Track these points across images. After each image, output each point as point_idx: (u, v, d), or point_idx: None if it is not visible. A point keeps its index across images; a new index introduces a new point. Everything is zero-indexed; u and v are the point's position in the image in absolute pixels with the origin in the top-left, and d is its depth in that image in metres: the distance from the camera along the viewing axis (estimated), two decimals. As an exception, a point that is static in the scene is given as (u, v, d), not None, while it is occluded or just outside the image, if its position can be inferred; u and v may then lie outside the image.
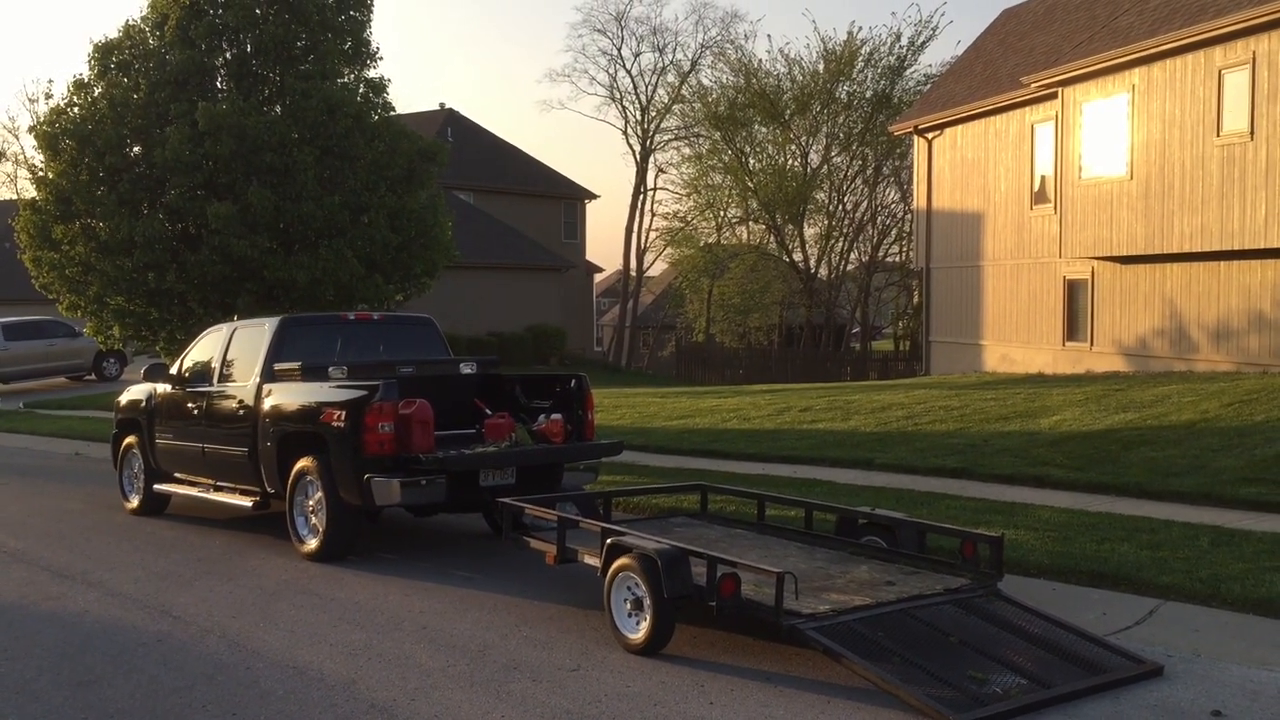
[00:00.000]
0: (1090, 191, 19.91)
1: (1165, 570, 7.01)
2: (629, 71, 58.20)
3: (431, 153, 19.03)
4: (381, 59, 20.25)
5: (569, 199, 48.75)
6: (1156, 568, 7.08)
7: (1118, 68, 18.99)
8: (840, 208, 43.88)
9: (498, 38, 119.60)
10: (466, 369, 9.68)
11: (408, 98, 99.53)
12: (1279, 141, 16.09)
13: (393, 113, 19.41)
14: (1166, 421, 12.62)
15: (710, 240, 46.79)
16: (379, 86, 19.08)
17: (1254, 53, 16.44)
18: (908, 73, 42.21)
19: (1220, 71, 17.07)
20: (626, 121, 52.35)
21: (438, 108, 48.74)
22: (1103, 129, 19.58)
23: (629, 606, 6.22)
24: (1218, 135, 17.17)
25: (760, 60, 66.87)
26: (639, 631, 6.10)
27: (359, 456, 8.23)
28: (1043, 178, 22.34)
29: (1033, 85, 21.15)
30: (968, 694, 5.11)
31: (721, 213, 46.42)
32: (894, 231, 43.41)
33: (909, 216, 36.62)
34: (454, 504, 8.67)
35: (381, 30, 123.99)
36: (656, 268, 57.91)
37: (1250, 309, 17.55)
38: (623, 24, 60.96)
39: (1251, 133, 16.53)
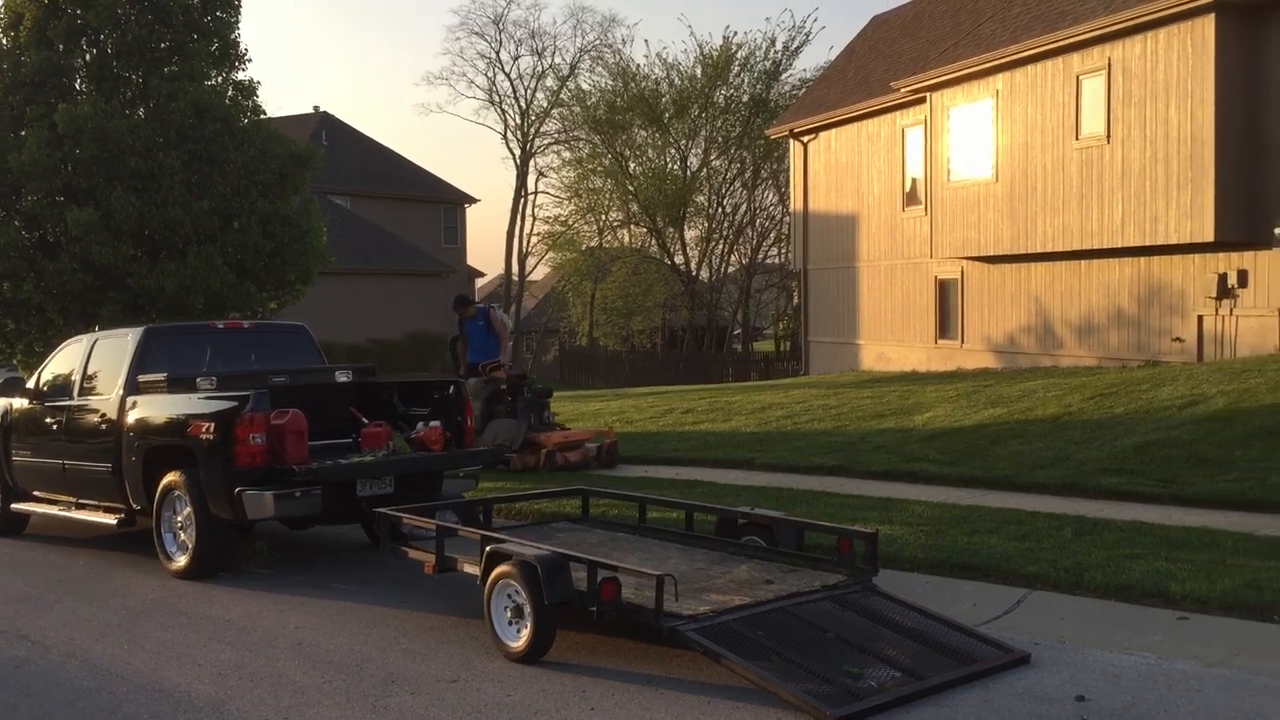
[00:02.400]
0: (959, 193, 20.48)
1: (1032, 560, 7.23)
2: (508, 75, 57.91)
3: (305, 157, 18.60)
4: (251, 61, 19.69)
5: (449, 203, 48.26)
6: (1024, 558, 7.30)
7: (982, 73, 19.58)
8: (720, 210, 44.35)
9: (373, 40, 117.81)
10: (342, 377, 9.47)
11: (280, 101, 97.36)
12: (1134, 145, 16.77)
13: (264, 116, 18.93)
14: (1033, 416, 13.05)
15: (592, 244, 46.83)
16: (248, 89, 18.57)
17: (1110, 59, 17.11)
18: (783, 77, 42.89)
19: (1079, 77, 17.73)
20: (506, 125, 52.06)
21: (311, 111, 47.77)
22: (969, 133, 20.17)
23: (509, 614, 6.16)
24: (1077, 139, 17.82)
25: (638, 64, 67.00)
26: (520, 639, 6.05)
27: (230, 469, 7.99)
28: (914, 180, 22.90)
29: (902, 90, 21.69)
30: (844, 689, 5.19)
31: (603, 216, 46.50)
32: (773, 234, 44.05)
33: (787, 219, 37.21)
34: (330, 515, 8.48)
35: (251, 32, 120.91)
36: (539, 271, 57.74)
37: (1110, 306, 18.26)
38: (501, 27, 60.62)
39: (1108, 136, 17.21)
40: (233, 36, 18.81)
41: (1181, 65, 15.94)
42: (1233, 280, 16.10)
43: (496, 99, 52.38)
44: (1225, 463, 10.02)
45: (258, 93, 19.04)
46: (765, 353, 44.21)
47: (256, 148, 18.04)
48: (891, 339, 23.78)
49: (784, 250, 41.41)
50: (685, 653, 5.87)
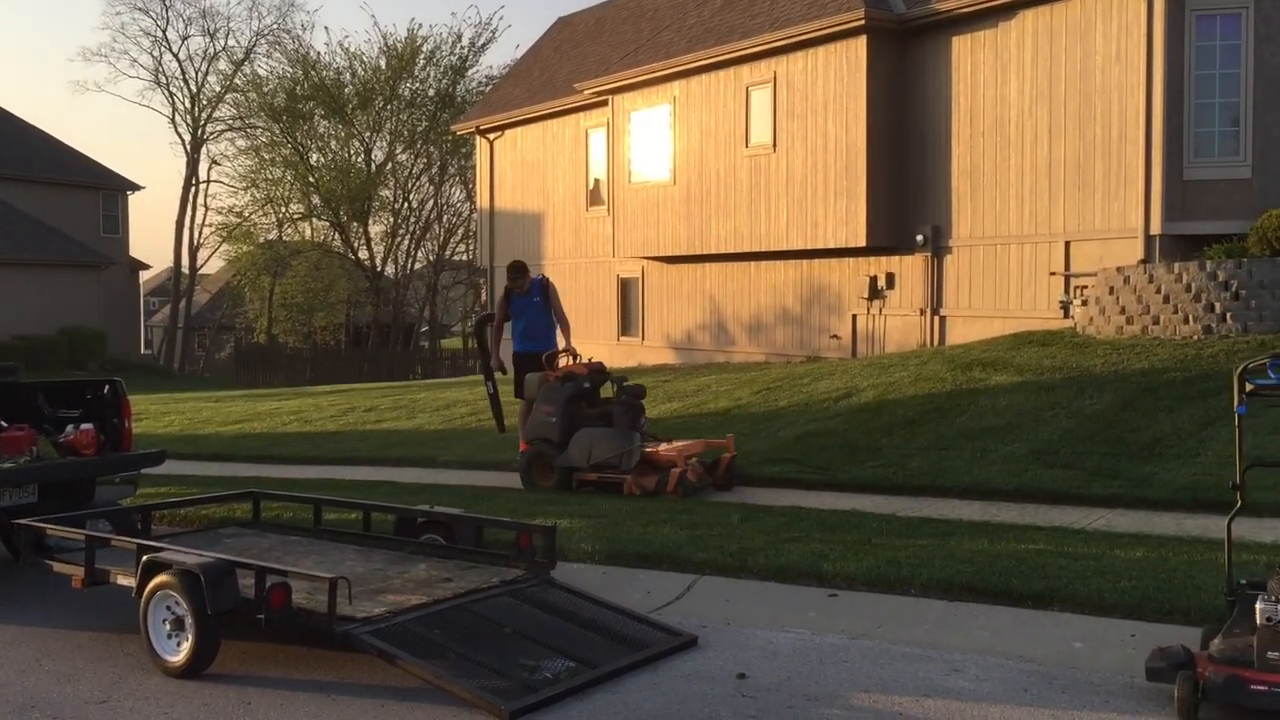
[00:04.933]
0: (639, 195, 21.15)
1: (701, 547, 7.56)
2: (176, 56, 54.74)
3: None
4: None
5: (109, 189, 44.77)
6: (694, 545, 7.61)
7: (661, 80, 20.31)
8: (406, 205, 43.69)
9: (19, 8, 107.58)
10: (-25, 377, 8.57)
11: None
12: (797, 154, 17.91)
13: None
14: (706, 409, 13.67)
15: (271, 236, 44.92)
16: None
17: (776, 73, 18.18)
18: (470, 73, 42.82)
19: (748, 88, 18.73)
20: (175, 109, 49.07)
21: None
22: (649, 136, 20.86)
23: (169, 627, 5.78)
24: (747, 146, 18.82)
25: (320, 52, 64.88)
26: (180, 653, 5.70)
27: None
28: (597, 181, 23.45)
29: (586, 92, 22.14)
30: (520, 682, 5.23)
31: (282, 208, 44.72)
32: (461, 230, 43.88)
33: (475, 215, 37.13)
34: (-38, 529, 7.67)
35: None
36: (212, 265, 54.76)
37: (777, 305, 19.42)
38: (167, 4, 56.87)
39: (775, 145, 18.28)
40: None
41: (838, 82, 17.17)
42: (882, 283, 17.51)
43: (164, 80, 49.25)
44: (873, 450, 10.89)
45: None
46: (454, 350, 43.95)
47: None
48: (576, 335, 24.11)
49: (472, 247, 41.28)
50: (361, 657, 5.73)
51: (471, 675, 5.24)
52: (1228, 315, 12.58)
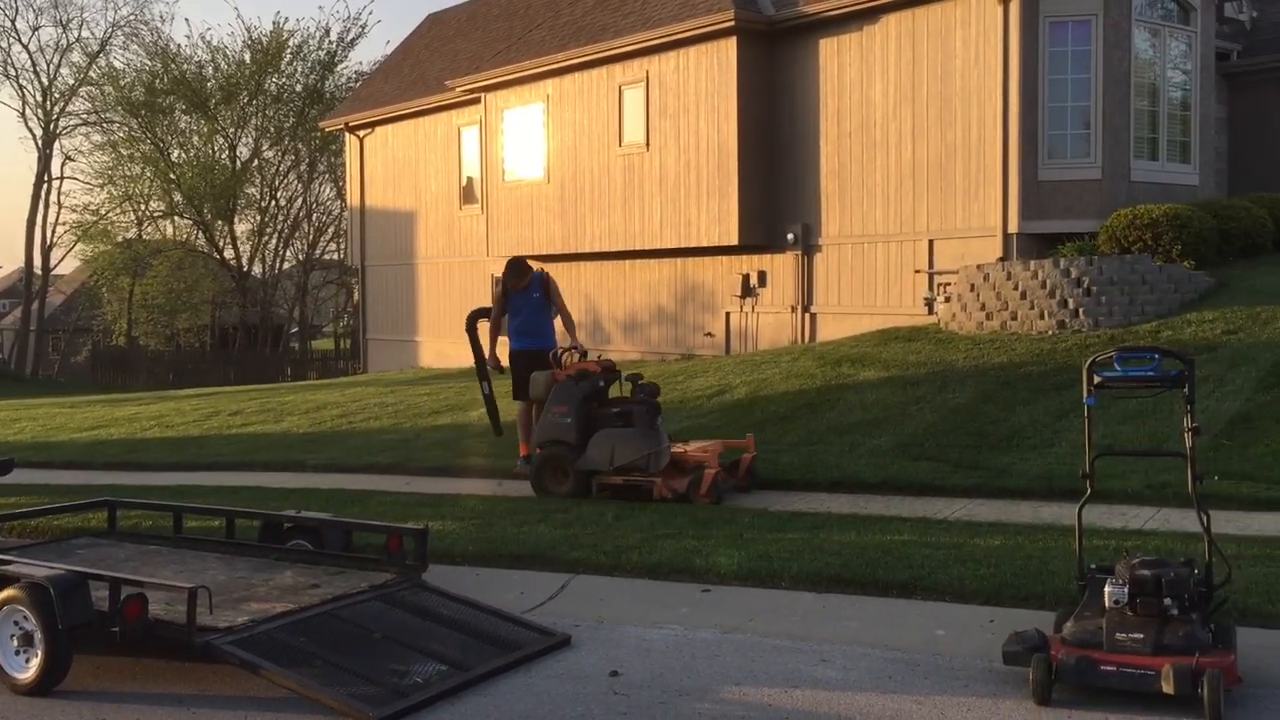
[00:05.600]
0: (513, 193, 21.03)
1: (576, 546, 7.54)
2: (26, 47, 52.48)
3: None
4: None
5: (-46, 186, 42.61)
6: (568, 544, 7.60)
7: (533, 78, 20.22)
8: (274, 203, 42.63)
9: None
10: None
11: None
12: (670, 154, 18.03)
13: None
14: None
15: (130, 235, 43.32)
16: None
17: (648, 72, 18.27)
18: (339, 69, 42.01)
19: (621, 87, 18.78)
20: (25, 103, 46.91)
21: None
22: (523, 134, 20.76)
23: (16, 643, 5.52)
24: (620, 145, 18.87)
25: (180, 45, 62.89)
26: (29, 670, 5.44)
27: None
28: (470, 179, 23.24)
29: (458, 89, 21.92)
30: (389, 688, 5.15)
31: (142, 206, 43.16)
32: (331, 229, 43.01)
33: (345, 214, 36.43)
34: None
35: None
36: (67, 265, 52.59)
37: (652, 303, 19.52)
38: (17, -8, 54.33)
39: (648, 144, 18.37)
40: None
41: (709, 82, 17.34)
42: (754, 281, 17.76)
43: (13, 72, 47.18)
44: (746, 446, 11.02)
45: None
46: (324, 351, 43.09)
47: None
48: (451, 336, 23.95)
49: (343, 246, 40.49)
50: (224, 668, 5.55)
51: (339, 683, 5.14)
52: (1080, 311, 13.10)
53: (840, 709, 4.89)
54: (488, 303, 22.78)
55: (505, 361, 10.73)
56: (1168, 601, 4.84)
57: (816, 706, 4.93)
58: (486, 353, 10.75)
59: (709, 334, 18.51)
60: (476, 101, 21.95)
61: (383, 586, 6.25)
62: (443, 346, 24.08)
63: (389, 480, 11.07)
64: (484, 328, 10.93)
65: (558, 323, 10.77)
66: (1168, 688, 4.57)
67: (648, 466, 9.11)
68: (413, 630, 5.85)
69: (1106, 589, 4.97)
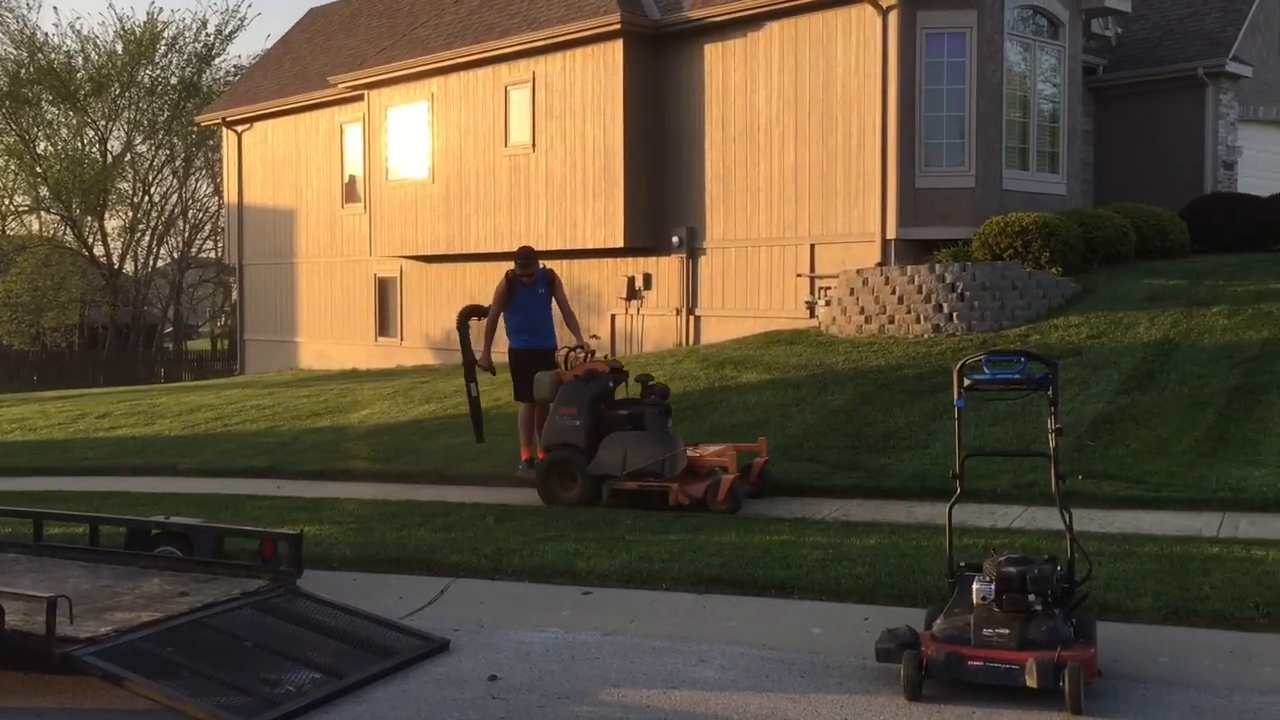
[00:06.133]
0: (397, 192, 20.74)
1: (456, 549, 7.47)
2: (-121, 31, 49.47)
3: None
4: None
5: None
6: (449, 548, 7.52)
7: (418, 76, 19.98)
8: (148, 199, 41.23)
9: None
10: None
11: None
12: (556, 155, 17.99)
13: None
14: (462, 411, 13.49)
15: (-8, 231, 41.47)
16: None
17: (534, 73, 18.20)
18: (217, 62, 40.87)
19: (507, 88, 18.67)
20: (-122, 89, 44.48)
21: None
22: (407, 133, 20.49)
23: None
24: (506, 146, 18.77)
25: (48, 34, 60.47)
26: None
27: None
28: (353, 177, 22.85)
29: (340, 86, 21.54)
30: (260, 697, 5.02)
31: (6, 200, 41.35)
32: (208, 226, 41.82)
33: (223, 211, 35.49)
34: None
35: None
36: (-77, 261, 49.95)
37: (537, 305, 19.41)
38: None
39: (534, 145, 18.30)
40: None
41: (596, 84, 17.35)
42: (640, 283, 17.82)
43: None
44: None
45: None
46: (200, 352, 41.91)
47: None
48: (331, 337, 23.54)
49: (220, 244, 39.40)
50: (87, 680, 5.35)
51: (208, 693, 4.98)
52: (954, 315, 13.47)
53: (717, 709, 4.93)
54: (369, 304, 22.48)
55: (504, 361, 10.23)
56: (1032, 598, 4.99)
57: (694, 707, 4.96)
58: (481, 353, 10.13)
59: (595, 336, 18.33)
60: (360, 98, 21.59)
61: (255, 593, 6.09)
62: (323, 347, 23.63)
63: (265, 484, 10.82)
64: (477, 328, 10.34)
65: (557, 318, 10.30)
66: (1031, 681, 4.71)
67: (662, 471, 8.68)
68: (286, 638, 5.71)
69: (975, 586, 5.11)
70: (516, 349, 10.04)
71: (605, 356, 10.18)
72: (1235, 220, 16.44)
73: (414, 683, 5.36)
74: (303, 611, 6.04)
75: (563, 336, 10.42)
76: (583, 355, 9.68)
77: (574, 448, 9.01)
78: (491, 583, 6.97)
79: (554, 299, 10.23)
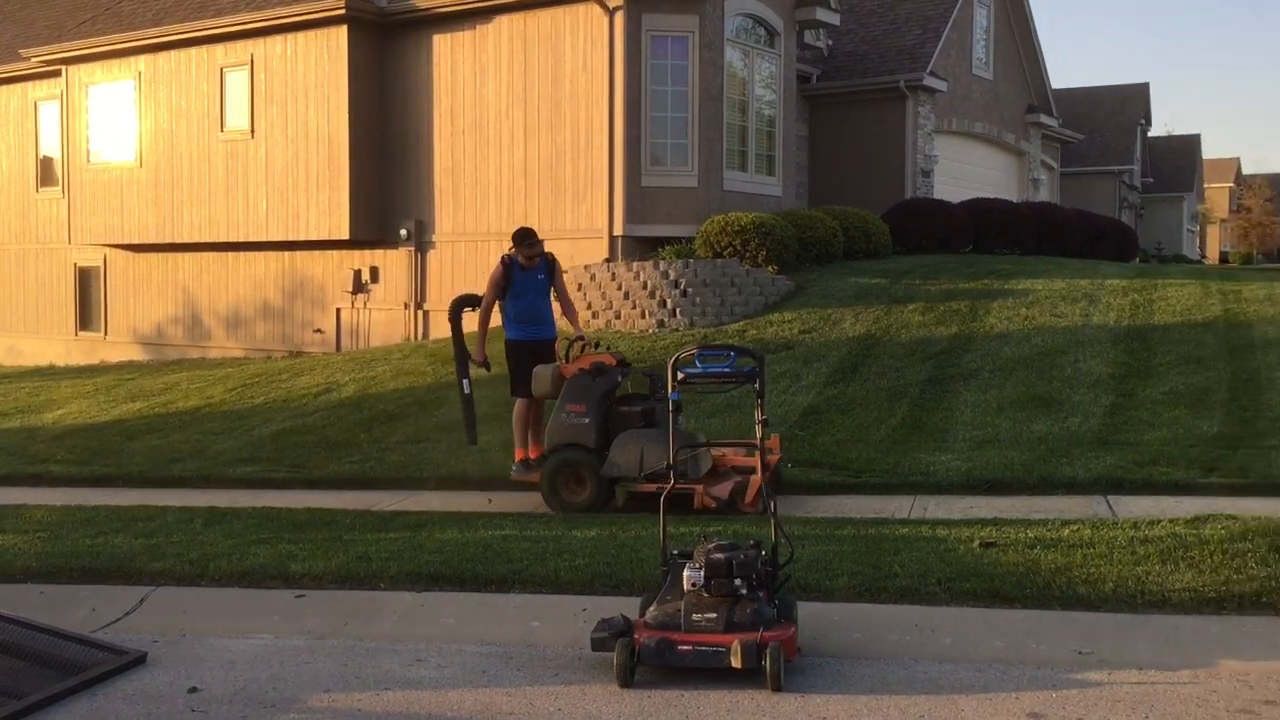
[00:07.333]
0: (100, 177, 19.38)
1: (158, 556, 7.04)
2: None
3: None
4: None
5: None
6: (150, 555, 7.07)
7: (123, 53, 18.73)
8: None
9: None
10: None
11: None
12: (277, 142, 17.28)
13: None
14: (174, 409, 12.79)
15: None
16: None
17: (253, 55, 17.42)
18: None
19: (223, 70, 17.78)
20: None
21: None
22: (111, 113, 19.18)
23: None
24: (222, 131, 17.87)
25: None
26: None
27: None
28: (49, 158, 21.20)
29: (34, 60, 19.91)
30: (-79, 727, 4.56)
31: None
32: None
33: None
34: None
35: None
36: None
37: (258, 298, 18.62)
38: None
39: (253, 131, 17.51)
40: None
41: (319, 70, 16.79)
42: (366, 276, 17.40)
43: None
44: (351, 445, 10.76)
45: None
46: None
47: None
48: (25, 330, 21.72)
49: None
50: None
51: None
52: (677, 311, 13.86)
53: (431, 709, 4.85)
54: (69, 295, 20.86)
55: (499, 356, 9.37)
56: (738, 582, 5.18)
57: (408, 708, 4.87)
58: (475, 347, 9.20)
59: (319, 330, 17.92)
60: (57, 74, 20.01)
61: (-82, 612, 5.54)
62: (16, 342, 21.77)
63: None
64: (469, 318, 9.35)
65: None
66: (736, 662, 4.90)
67: (686, 473, 7.87)
68: (-44, 659, 5.22)
69: (685, 573, 5.26)
70: (515, 340, 9.06)
71: (608, 347, 9.55)
72: (931, 224, 17.73)
73: (105, 699, 5.00)
74: (-24, 629, 5.54)
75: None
76: (584, 347, 8.94)
77: (582, 448, 8.30)
78: (197, 589, 6.60)
79: (552, 286, 9.22)
